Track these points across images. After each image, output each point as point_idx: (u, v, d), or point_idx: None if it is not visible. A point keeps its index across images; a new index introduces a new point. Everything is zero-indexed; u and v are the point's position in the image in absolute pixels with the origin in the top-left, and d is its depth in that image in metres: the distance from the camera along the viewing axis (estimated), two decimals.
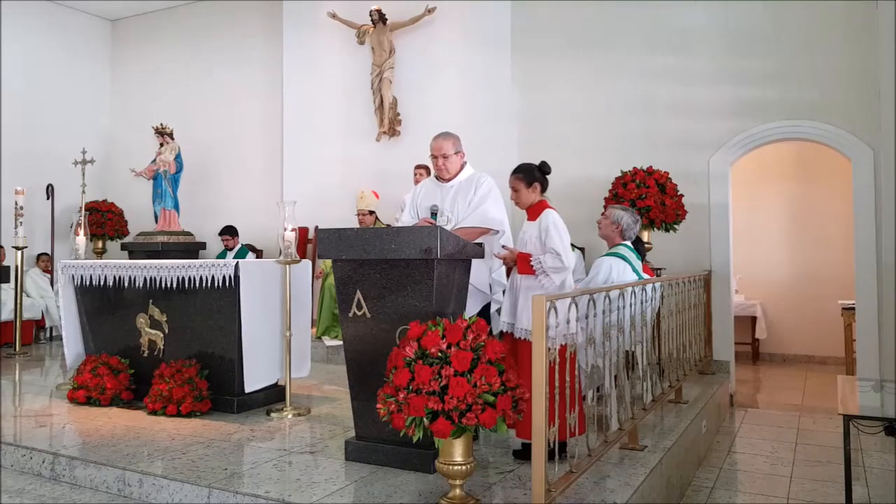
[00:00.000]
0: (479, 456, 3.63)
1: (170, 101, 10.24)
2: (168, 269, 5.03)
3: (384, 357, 3.09)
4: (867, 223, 6.42)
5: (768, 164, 9.36)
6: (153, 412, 4.69)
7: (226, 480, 3.31)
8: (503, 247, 3.88)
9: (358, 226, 7.22)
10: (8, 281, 8.07)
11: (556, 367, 2.86)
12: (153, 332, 5.21)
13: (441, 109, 8.01)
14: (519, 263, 3.69)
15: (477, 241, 3.86)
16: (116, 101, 10.92)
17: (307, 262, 5.32)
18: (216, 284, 4.80)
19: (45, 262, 9.35)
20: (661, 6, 7.32)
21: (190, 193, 9.67)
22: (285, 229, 4.74)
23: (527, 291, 3.61)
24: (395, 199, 7.17)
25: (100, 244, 9.74)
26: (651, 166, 6.58)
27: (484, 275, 4.04)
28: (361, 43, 8.57)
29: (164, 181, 9.21)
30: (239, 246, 8.54)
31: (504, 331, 3.77)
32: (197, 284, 4.88)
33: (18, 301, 7.87)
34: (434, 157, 4.13)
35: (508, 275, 3.90)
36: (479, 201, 4.02)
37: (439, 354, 2.83)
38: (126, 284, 5.24)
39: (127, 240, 9.82)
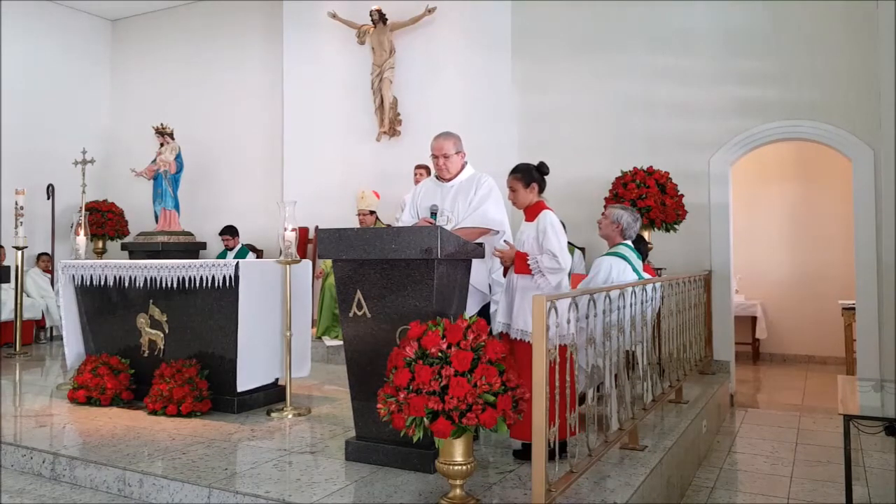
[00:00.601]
0: (480, 456, 3.63)
1: (170, 100, 10.24)
2: (168, 269, 5.03)
3: (384, 357, 3.09)
4: (867, 223, 6.42)
5: (768, 164, 9.35)
6: (153, 412, 4.69)
7: (226, 480, 3.31)
8: (504, 241, 3.87)
9: (358, 226, 7.22)
10: (8, 281, 8.07)
11: (556, 366, 2.86)
12: (153, 332, 5.21)
13: (441, 109, 8.01)
14: (517, 262, 3.70)
15: (477, 241, 3.86)
16: (116, 101, 10.93)
17: (307, 262, 5.32)
18: (216, 284, 4.80)
19: (46, 262, 9.35)
20: (661, 6, 7.32)
21: (190, 193, 9.67)
22: (285, 229, 4.74)
23: (523, 292, 3.62)
24: (395, 199, 7.16)
25: (100, 244, 9.74)
26: (651, 166, 6.58)
27: (483, 275, 4.04)
28: (362, 43, 8.57)
29: (165, 181, 9.21)
30: (239, 246, 8.54)
31: (500, 331, 3.76)
32: (197, 284, 4.88)
33: (19, 301, 7.87)
34: (434, 156, 4.13)
35: (506, 275, 3.90)
36: (479, 202, 4.02)
37: (439, 354, 2.83)
38: (126, 284, 5.24)
39: (127, 240, 9.82)
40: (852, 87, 6.52)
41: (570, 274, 4.13)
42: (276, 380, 5.15)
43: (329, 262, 6.99)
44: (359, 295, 3.57)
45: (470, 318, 2.97)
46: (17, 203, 7.83)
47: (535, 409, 2.70)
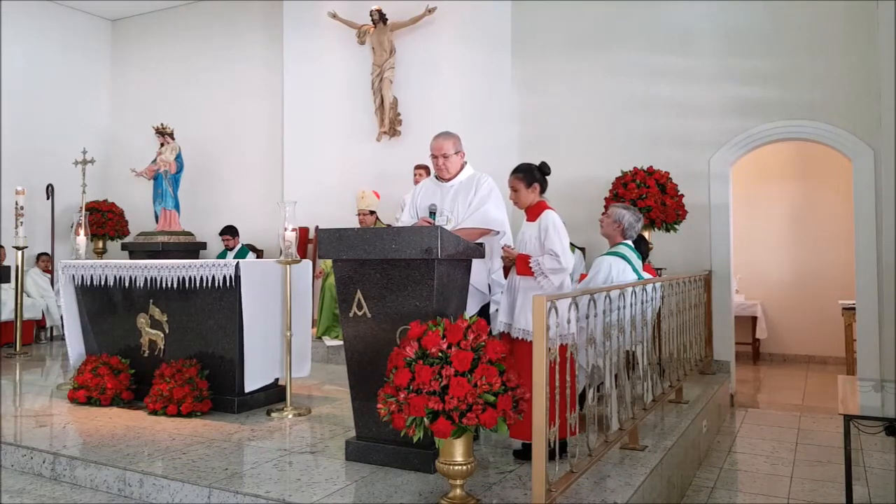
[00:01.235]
0: (480, 456, 3.63)
1: (170, 100, 10.24)
2: (169, 269, 5.03)
3: (384, 357, 3.10)
4: (867, 223, 6.42)
5: (768, 164, 9.35)
6: (154, 412, 4.69)
7: (226, 480, 3.31)
8: (505, 247, 3.86)
9: (358, 226, 7.22)
10: (8, 281, 8.07)
11: (557, 366, 2.86)
12: (154, 331, 5.21)
13: (441, 109, 8.01)
14: (518, 264, 3.70)
15: (477, 241, 3.86)
16: (116, 101, 10.93)
17: (307, 262, 5.32)
18: (217, 284, 4.80)
19: (46, 261, 9.35)
20: (661, 6, 7.32)
21: (190, 193, 9.67)
22: (286, 229, 4.74)
23: (525, 292, 3.62)
24: (395, 199, 7.17)
25: (100, 244, 9.74)
26: (651, 166, 6.58)
27: (483, 275, 4.04)
28: (362, 43, 8.57)
29: (165, 181, 9.21)
30: (239, 246, 8.54)
31: (501, 331, 3.76)
32: (197, 284, 4.88)
33: (19, 301, 7.88)
34: (434, 156, 4.12)
35: (506, 275, 3.90)
36: (479, 202, 4.02)
37: (440, 354, 2.83)
38: (127, 284, 5.24)
39: (127, 240, 9.82)
40: (852, 87, 6.52)
41: (573, 275, 4.13)
42: (277, 380, 5.15)
43: (329, 262, 6.99)
44: (359, 295, 3.57)
45: (470, 318, 2.97)
46: (17, 203, 7.83)
47: (535, 408, 2.70)
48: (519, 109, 7.95)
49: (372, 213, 7.38)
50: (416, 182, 6.69)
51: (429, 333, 2.89)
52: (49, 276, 9.20)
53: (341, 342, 5.05)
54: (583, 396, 3.56)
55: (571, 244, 3.91)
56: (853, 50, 6.52)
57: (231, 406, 4.78)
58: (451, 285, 3.53)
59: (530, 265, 3.63)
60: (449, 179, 4.16)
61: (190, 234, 9.42)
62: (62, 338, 5.79)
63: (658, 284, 4.58)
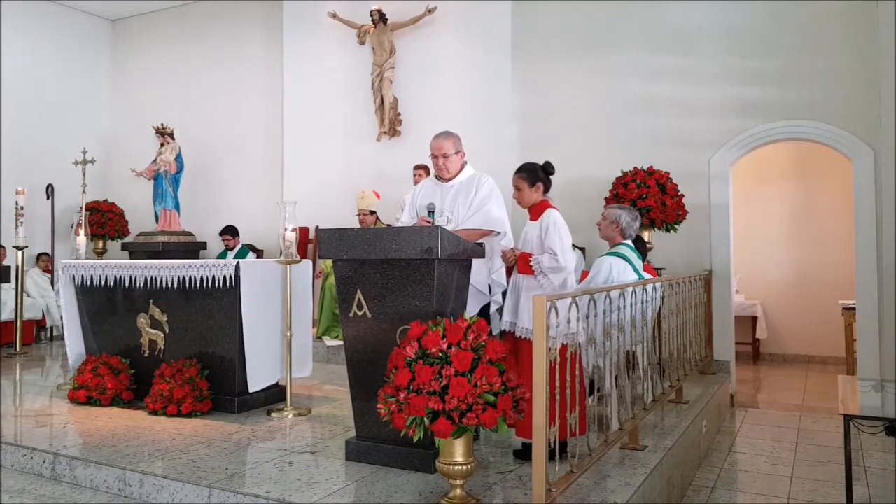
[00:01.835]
0: (480, 456, 3.64)
1: (170, 100, 10.24)
2: (169, 269, 5.03)
3: (385, 357, 3.10)
4: (868, 223, 6.42)
5: (768, 164, 9.36)
6: (154, 412, 4.69)
7: (226, 480, 3.31)
8: (511, 249, 3.85)
9: (358, 226, 7.22)
10: (8, 281, 8.07)
11: (557, 366, 2.86)
12: (154, 331, 5.21)
13: (441, 109, 8.01)
14: (519, 263, 3.70)
15: (477, 241, 3.86)
16: (116, 101, 10.93)
17: (308, 262, 5.32)
18: (217, 284, 4.80)
19: (46, 262, 9.35)
20: (661, 6, 7.32)
21: (190, 193, 9.67)
22: (286, 229, 4.74)
23: (528, 291, 3.61)
24: (395, 199, 7.17)
25: (100, 244, 9.75)
26: (651, 166, 6.58)
27: (483, 275, 4.03)
28: (362, 43, 8.57)
29: (165, 181, 9.21)
30: (239, 246, 8.54)
31: (505, 330, 3.76)
32: (198, 284, 4.88)
33: (19, 301, 7.87)
34: (434, 156, 4.12)
35: (509, 275, 3.90)
36: (480, 202, 4.01)
37: (440, 354, 2.83)
38: (127, 284, 5.25)
39: (127, 240, 9.82)
40: (852, 87, 6.52)
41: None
42: (277, 380, 5.15)
43: (329, 262, 6.99)
44: (359, 295, 3.57)
45: (470, 318, 2.96)
46: (17, 203, 7.83)
47: (535, 408, 2.70)
48: (519, 109, 7.95)
49: (372, 213, 7.38)
50: (416, 182, 6.69)
51: (429, 333, 2.89)
52: (49, 276, 9.20)
53: (341, 342, 5.05)
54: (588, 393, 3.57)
55: (572, 244, 3.91)
56: (853, 50, 6.52)
57: (231, 406, 4.78)
58: (451, 285, 3.53)
59: (530, 263, 3.63)
60: (449, 179, 4.15)
61: (190, 234, 9.42)
62: (62, 338, 5.79)
63: (658, 284, 4.58)
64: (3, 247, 8.80)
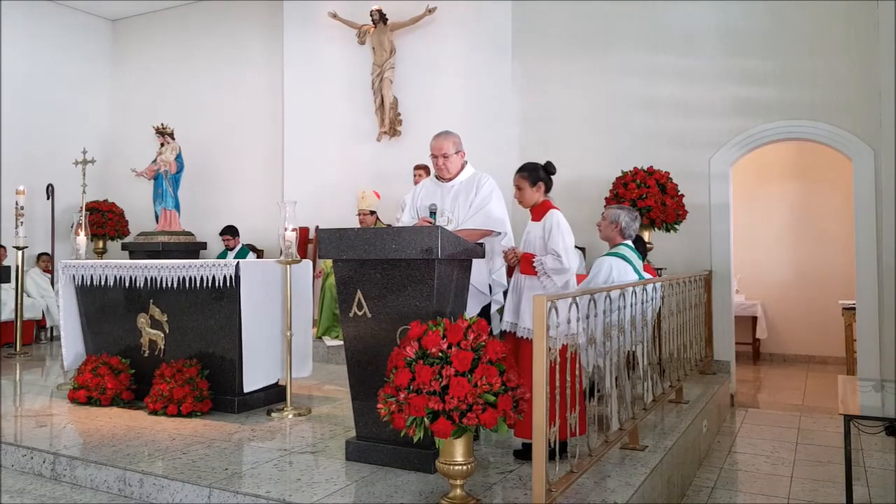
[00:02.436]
0: (480, 456, 3.63)
1: (170, 100, 10.24)
2: (169, 269, 5.03)
3: (385, 357, 3.10)
4: (868, 223, 6.42)
5: (769, 164, 9.36)
6: (154, 412, 4.69)
7: (226, 480, 3.31)
8: (512, 248, 3.85)
9: (359, 226, 7.22)
10: (8, 281, 8.07)
11: (557, 366, 2.86)
12: (154, 331, 5.21)
13: (441, 109, 8.01)
14: (522, 263, 3.70)
15: (478, 241, 3.86)
16: (116, 101, 10.93)
17: (308, 262, 5.32)
18: (217, 284, 4.81)
19: (46, 261, 9.35)
20: (661, 6, 7.32)
21: (191, 193, 9.67)
22: (286, 229, 4.74)
23: (530, 291, 3.60)
24: (395, 199, 7.16)
25: (100, 244, 9.75)
26: (652, 166, 6.58)
27: (484, 275, 4.03)
28: (362, 43, 8.57)
29: (165, 181, 9.21)
30: (240, 246, 8.54)
31: (507, 330, 3.76)
32: (197, 284, 4.88)
33: (19, 301, 7.87)
34: (434, 156, 4.12)
35: (510, 275, 3.90)
36: (481, 202, 4.01)
37: (440, 354, 2.83)
38: (127, 284, 5.25)
39: (127, 240, 9.82)
40: (852, 87, 6.52)
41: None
42: (277, 380, 5.15)
43: (329, 262, 6.99)
44: (359, 295, 3.57)
45: (470, 318, 2.96)
46: (17, 203, 7.83)
47: (535, 408, 2.70)
48: (519, 109, 7.95)
49: (372, 213, 7.38)
50: (417, 182, 6.69)
51: (429, 333, 2.89)
52: (49, 276, 9.20)
53: (341, 342, 5.05)
54: (589, 393, 3.57)
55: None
56: (853, 50, 6.52)
57: (231, 406, 4.78)
58: (451, 285, 3.53)
59: (533, 264, 3.63)
60: (449, 179, 4.15)
61: (190, 234, 9.42)
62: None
63: (658, 284, 4.58)
64: (4, 247, 8.80)
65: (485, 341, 2.85)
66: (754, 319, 9.54)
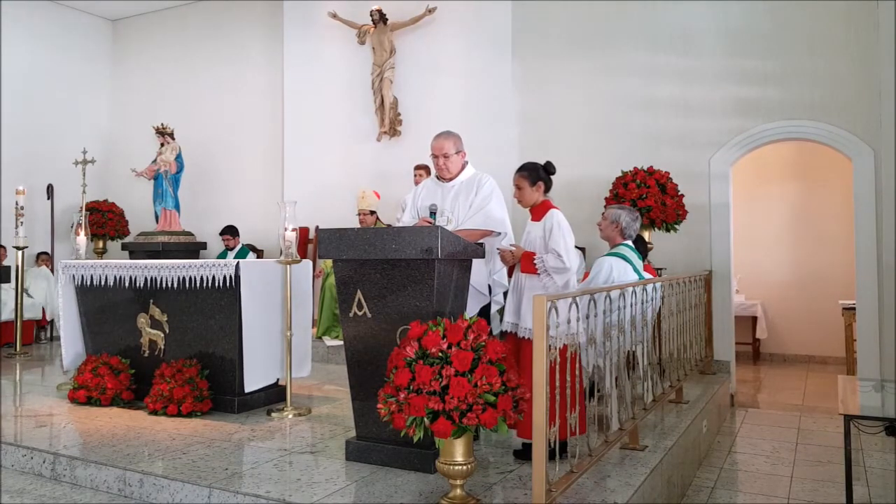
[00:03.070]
0: (480, 456, 3.63)
1: (170, 100, 10.24)
2: (169, 269, 5.03)
3: (385, 357, 3.10)
4: (868, 223, 6.42)
5: (769, 164, 9.36)
6: (154, 412, 4.69)
7: (226, 480, 3.31)
8: (512, 245, 3.85)
9: (359, 226, 7.22)
10: (8, 281, 8.07)
11: (557, 366, 2.86)
12: (154, 331, 5.21)
13: (441, 109, 8.01)
14: (523, 261, 3.69)
15: (478, 241, 3.86)
16: (116, 101, 10.93)
17: (308, 262, 5.32)
18: (217, 284, 4.80)
19: (45, 260, 9.34)
20: (662, 6, 7.32)
21: (191, 193, 9.67)
22: (286, 229, 4.74)
23: (531, 292, 3.60)
24: (395, 199, 7.17)
25: (100, 244, 9.75)
26: (652, 166, 6.58)
27: (484, 275, 4.03)
28: (362, 43, 8.57)
29: (165, 181, 9.21)
30: (240, 246, 8.54)
31: (507, 330, 3.76)
32: (198, 284, 4.88)
33: (19, 301, 7.87)
34: (435, 156, 4.12)
35: (510, 275, 3.90)
36: (481, 202, 4.01)
37: (440, 354, 2.82)
38: (127, 284, 5.25)
39: (127, 240, 9.82)
40: (852, 87, 6.52)
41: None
42: (277, 380, 5.15)
43: (329, 262, 6.99)
44: (359, 295, 3.57)
45: (470, 318, 2.96)
46: (17, 203, 7.83)
47: (535, 408, 2.70)
48: (519, 109, 7.95)
49: (372, 213, 7.38)
50: (417, 182, 6.69)
51: (429, 333, 2.89)
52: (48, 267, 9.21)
53: (341, 342, 5.05)
54: (589, 393, 3.57)
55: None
56: (853, 50, 6.52)
57: (231, 406, 4.78)
58: (451, 285, 3.53)
59: (535, 262, 3.62)
60: (450, 179, 4.16)
61: (190, 234, 9.42)
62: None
63: (658, 284, 4.58)
64: (4, 247, 8.80)
65: (485, 341, 2.85)
66: (754, 319, 9.54)
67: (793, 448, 5.23)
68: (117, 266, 5.33)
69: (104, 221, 9.66)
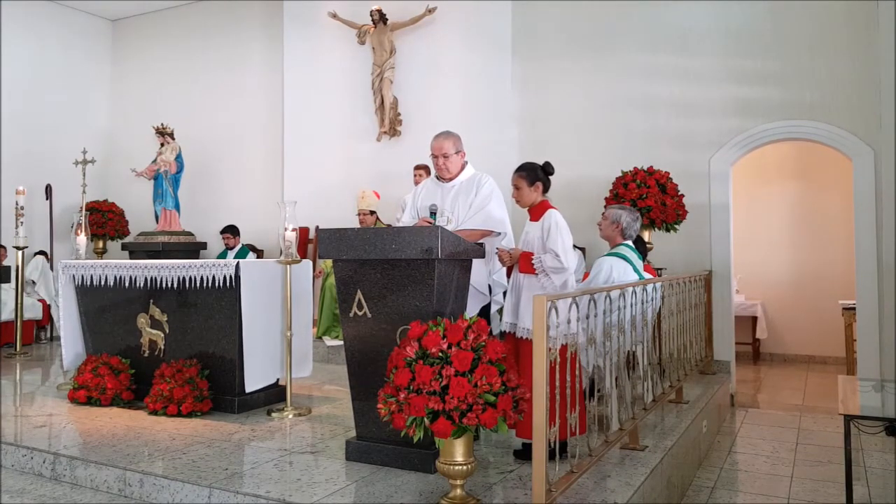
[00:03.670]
0: (480, 456, 3.63)
1: (170, 100, 10.24)
2: (169, 269, 5.03)
3: (385, 357, 3.10)
4: (868, 223, 6.42)
5: (769, 164, 9.36)
6: (154, 412, 4.69)
7: (226, 480, 3.31)
8: (508, 251, 3.85)
9: (359, 226, 7.22)
10: (8, 281, 8.07)
11: (557, 366, 2.86)
12: (154, 331, 5.21)
13: (441, 109, 8.01)
14: (521, 261, 3.69)
15: (477, 241, 3.86)
16: (116, 101, 10.92)
17: (308, 262, 5.32)
18: (217, 284, 4.80)
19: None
20: (661, 6, 7.32)
21: (191, 193, 9.67)
22: (286, 229, 4.74)
23: (529, 292, 3.60)
24: (395, 199, 7.17)
25: (100, 244, 9.75)
26: (652, 166, 6.58)
27: (483, 276, 4.04)
28: (362, 43, 8.57)
29: (165, 181, 9.21)
30: (240, 246, 8.55)
31: (506, 331, 3.76)
32: (198, 284, 4.88)
33: (19, 301, 7.87)
34: (434, 156, 4.12)
35: (509, 276, 3.90)
36: (481, 202, 4.01)
37: (440, 354, 2.82)
38: (127, 284, 5.25)
39: (128, 240, 9.82)
40: (852, 87, 6.52)
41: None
42: (277, 380, 5.15)
43: (329, 262, 6.99)
44: (359, 295, 3.57)
45: (470, 318, 2.96)
46: (17, 203, 7.83)
47: (535, 409, 2.70)
48: (519, 109, 7.95)
49: (372, 213, 7.39)
50: (417, 182, 6.69)
51: (429, 333, 2.89)
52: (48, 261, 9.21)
53: (341, 342, 5.05)
54: (589, 393, 3.57)
55: (573, 245, 3.91)
56: (853, 50, 6.52)
57: (231, 406, 4.78)
58: (451, 285, 3.53)
59: (532, 262, 3.62)
60: (450, 179, 4.16)
61: (190, 234, 9.42)
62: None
63: (658, 284, 4.58)
64: (4, 247, 8.80)
65: (485, 341, 2.85)
66: (754, 319, 9.54)
67: (793, 448, 5.23)
68: (117, 266, 5.33)
69: (104, 221, 9.66)
